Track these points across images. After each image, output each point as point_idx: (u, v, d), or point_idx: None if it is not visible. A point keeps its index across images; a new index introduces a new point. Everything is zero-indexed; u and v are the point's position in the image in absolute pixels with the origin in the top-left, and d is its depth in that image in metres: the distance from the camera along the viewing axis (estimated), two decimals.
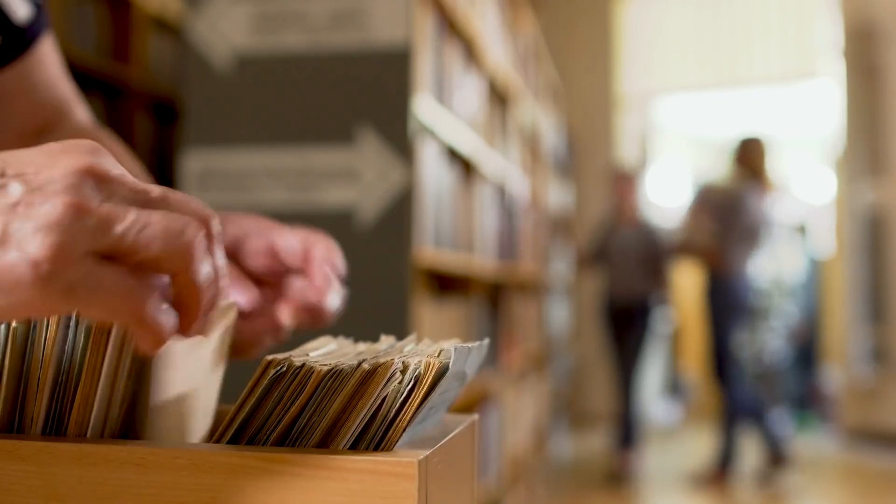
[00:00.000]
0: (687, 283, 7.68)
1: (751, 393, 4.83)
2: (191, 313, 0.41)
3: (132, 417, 0.47)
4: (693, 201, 5.08)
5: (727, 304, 4.73)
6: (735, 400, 4.74)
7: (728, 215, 4.72)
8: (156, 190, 0.41)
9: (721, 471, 4.78)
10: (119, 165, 0.41)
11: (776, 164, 5.03)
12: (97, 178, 0.39)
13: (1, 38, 0.74)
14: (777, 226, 4.92)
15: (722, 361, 4.76)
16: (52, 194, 0.38)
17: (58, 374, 0.45)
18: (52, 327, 0.45)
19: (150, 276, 0.40)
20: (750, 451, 5.18)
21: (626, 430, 4.97)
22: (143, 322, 0.39)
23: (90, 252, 0.38)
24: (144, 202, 0.40)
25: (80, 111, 0.86)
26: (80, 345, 0.45)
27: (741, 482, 4.83)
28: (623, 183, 5.17)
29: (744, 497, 4.67)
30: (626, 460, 4.92)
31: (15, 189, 0.38)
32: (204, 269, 0.41)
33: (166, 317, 0.40)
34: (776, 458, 4.75)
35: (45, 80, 0.81)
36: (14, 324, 0.45)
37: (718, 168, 8.47)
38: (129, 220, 0.39)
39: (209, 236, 0.42)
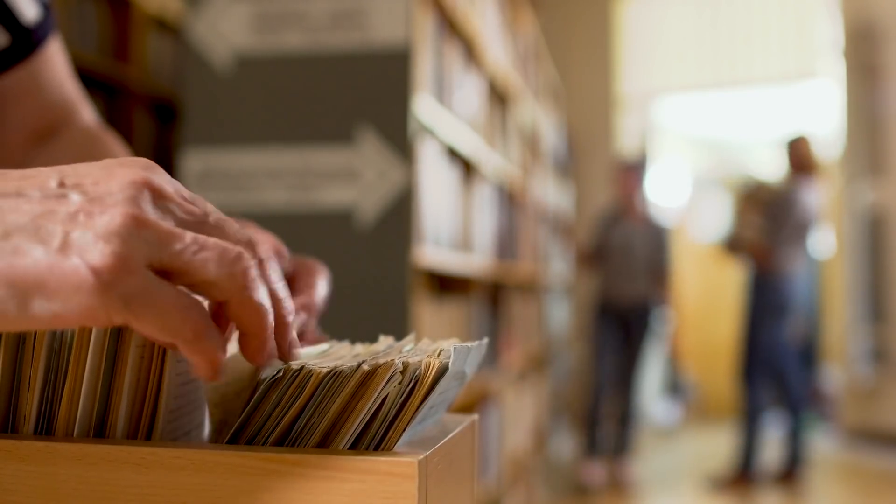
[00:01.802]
0: (687, 283, 7.68)
1: (803, 387, 4.82)
2: (255, 339, 0.42)
3: (141, 417, 0.47)
4: (741, 198, 5.04)
5: (771, 302, 4.69)
6: (753, 403, 4.71)
7: (780, 213, 4.68)
8: (209, 212, 0.42)
9: (743, 474, 4.74)
10: (174, 182, 0.42)
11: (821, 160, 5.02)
12: (154, 193, 0.40)
13: (10, 39, 0.75)
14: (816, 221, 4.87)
15: (751, 360, 4.73)
16: (112, 205, 0.38)
17: (47, 372, 0.45)
18: None
19: (203, 297, 0.40)
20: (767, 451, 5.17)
21: (622, 438, 4.82)
22: (198, 341, 0.39)
23: (148, 265, 0.38)
24: (199, 223, 0.41)
25: (87, 112, 0.87)
26: (68, 341, 0.45)
27: (763, 485, 4.79)
28: (628, 175, 4.91)
29: (744, 498, 4.67)
30: (622, 469, 4.79)
31: (74, 198, 0.39)
32: (260, 295, 0.41)
33: (219, 339, 0.40)
34: (789, 472, 4.75)
35: (53, 80, 0.81)
36: None
37: (720, 168, 8.48)
38: (186, 240, 0.39)
39: (261, 263, 0.43)
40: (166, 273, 0.39)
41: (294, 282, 0.61)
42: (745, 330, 4.77)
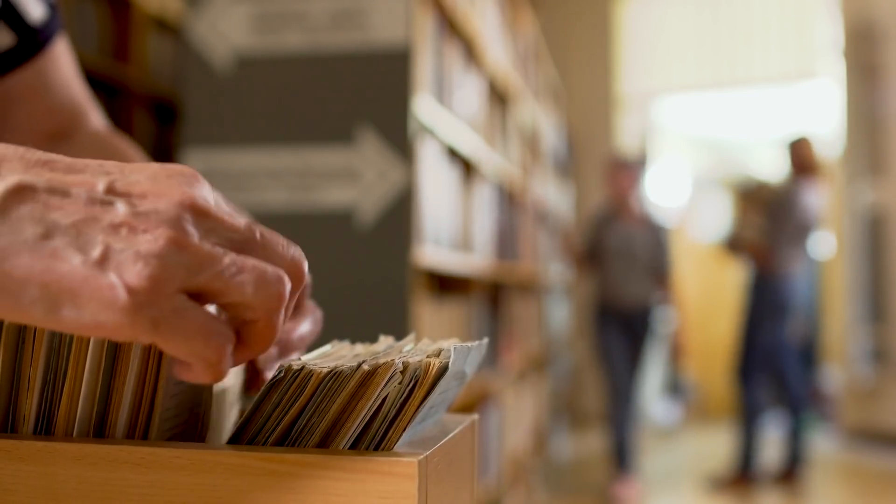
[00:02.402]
0: (687, 283, 7.68)
1: (803, 387, 4.82)
2: (253, 352, 0.42)
3: (138, 418, 0.47)
4: (741, 198, 5.03)
5: (771, 302, 4.67)
6: (750, 402, 4.71)
7: (780, 213, 4.66)
8: (252, 231, 0.41)
9: (743, 474, 4.73)
10: (218, 198, 0.42)
11: (823, 160, 5.00)
12: (198, 214, 0.39)
13: (16, 38, 0.74)
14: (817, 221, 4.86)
15: (748, 360, 4.72)
16: (156, 224, 0.38)
17: (47, 371, 0.45)
18: None
19: (231, 319, 0.41)
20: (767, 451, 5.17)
21: (623, 453, 4.60)
22: (217, 365, 0.39)
23: (182, 289, 0.38)
24: (241, 242, 0.41)
25: (96, 116, 0.87)
26: (67, 341, 0.45)
27: (763, 485, 4.79)
28: (621, 173, 4.71)
29: (743, 499, 4.67)
30: (626, 487, 4.53)
31: (120, 209, 0.38)
32: (282, 318, 0.42)
33: (230, 362, 0.40)
34: (789, 471, 4.75)
35: (60, 81, 0.81)
36: (7, 321, 0.45)
37: (720, 168, 8.48)
38: (223, 263, 0.39)
39: (298, 283, 0.43)
40: (202, 293, 0.39)
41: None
42: (744, 330, 4.77)
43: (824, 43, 6.62)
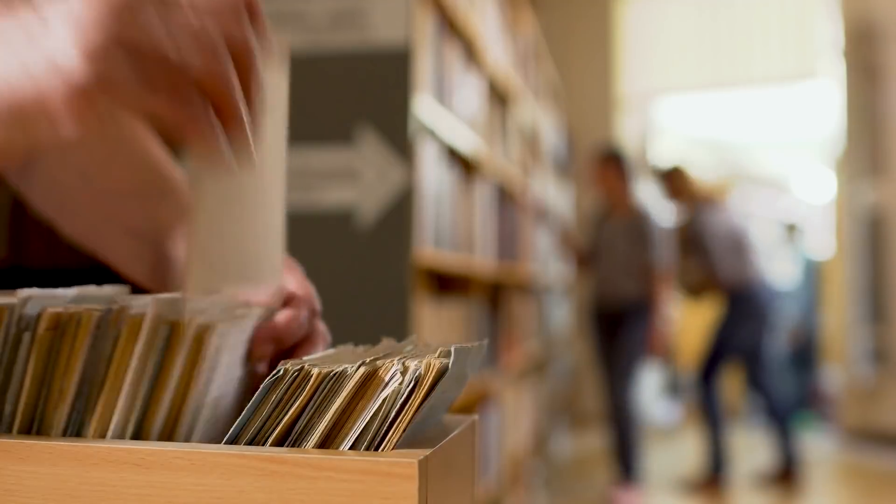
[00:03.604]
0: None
1: (784, 396, 4.85)
2: (228, 128, 0.42)
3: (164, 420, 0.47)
4: None
5: (752, 312, 4.73)
6: (713, 405, 4.75)
7: (700, 240, 4.73)
8: None
9: (714, 476, 4.74)
10: None
11: (703, 179, 5.05)
12: None
13: None
14: (759, 226, 4.93)
15: (711, 366, 4.77)
16: None
17: (81, 383, 0.46)
18: (81, 336, 0.45)
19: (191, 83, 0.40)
20: (745, 454, 5.17)
21: (626, 460, 4.43)
22: (192, 125, 0.40)
23: (128, 34, 0.38)
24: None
25: None
26: (106, 354, 0.45)
27: (734, 486, 4.80)
28: (605, 168, 4.52)
29: (742, 500, 4.67)
30: (626, 493, 4.36)
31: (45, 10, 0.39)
32: (227, 73, 0.41)
33: (211, 125, 0.40)
34: (787, 472, 4.76)
35: None
36: (41, 330, 0.45)
37: (720, 168, 8.47)
38: (156, 17, 0.39)
39: (252, 11, 0.43)
40: (143, 51, 0.38)
41: (298, 346, 0.58)
42: (713, 335, 4.81)
43: (824, 43, 6.62)
